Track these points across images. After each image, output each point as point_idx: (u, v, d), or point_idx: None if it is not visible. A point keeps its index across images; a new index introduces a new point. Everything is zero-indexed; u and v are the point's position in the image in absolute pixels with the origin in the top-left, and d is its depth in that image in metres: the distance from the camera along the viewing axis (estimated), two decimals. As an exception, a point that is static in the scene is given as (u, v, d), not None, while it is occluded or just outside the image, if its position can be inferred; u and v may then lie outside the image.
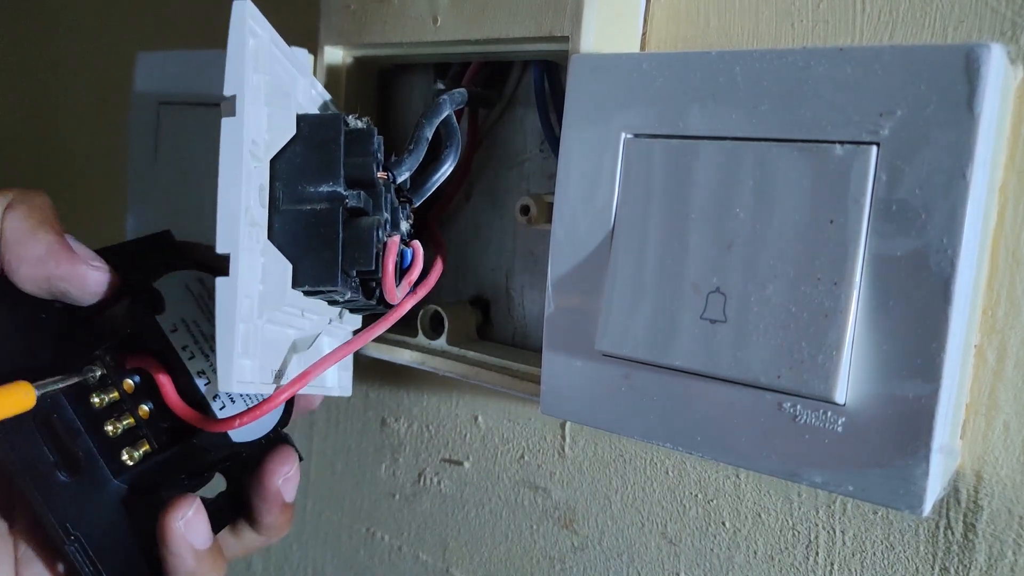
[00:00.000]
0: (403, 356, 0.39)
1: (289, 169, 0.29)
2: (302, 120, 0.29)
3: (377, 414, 0.48)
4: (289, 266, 0.29)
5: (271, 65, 0.28)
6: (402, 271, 0.32)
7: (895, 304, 0.25)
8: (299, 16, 0.45)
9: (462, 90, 0.36)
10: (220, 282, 0.26)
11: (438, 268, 0.36)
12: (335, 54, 0.39)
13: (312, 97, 0.33)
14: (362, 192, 0.30)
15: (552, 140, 0.36)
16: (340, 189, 0.29)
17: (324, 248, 0.29)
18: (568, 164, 0.32)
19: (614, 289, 0.30)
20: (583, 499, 0.40)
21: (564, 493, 0.41)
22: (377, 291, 0.32)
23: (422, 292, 0.34)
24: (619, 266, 0.30)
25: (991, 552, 0.30)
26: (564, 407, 0.32)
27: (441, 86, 0.37)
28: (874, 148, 0.26)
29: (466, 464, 0.44)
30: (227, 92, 0.26)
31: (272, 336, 0.29)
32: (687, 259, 0.29)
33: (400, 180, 0.32)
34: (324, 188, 0.29)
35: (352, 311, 0.36)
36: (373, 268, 0.30)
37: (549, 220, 0.33)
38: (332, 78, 0.40)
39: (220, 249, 0.26)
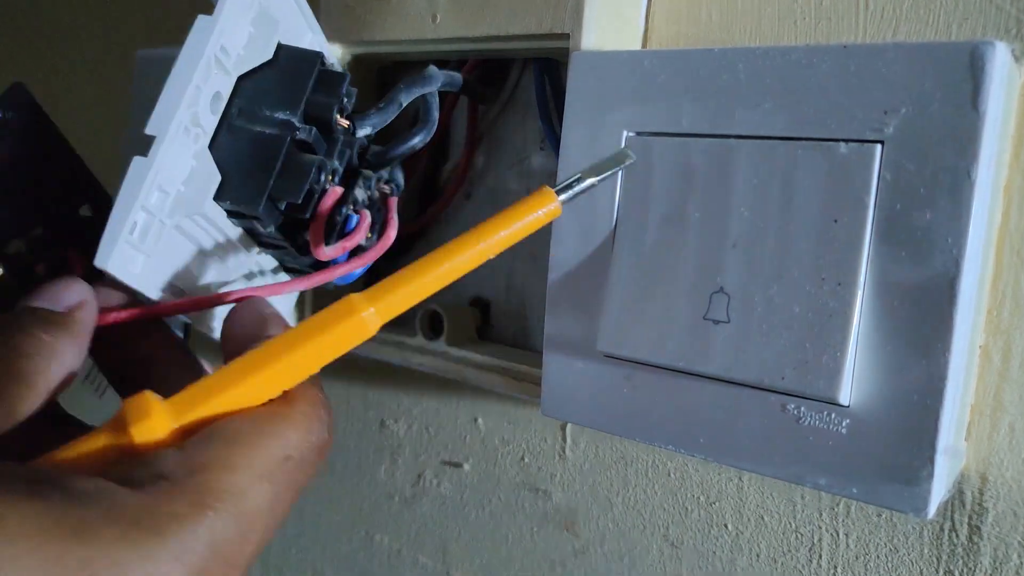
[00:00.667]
0: (402, 357, 0.39)
1: (254, 90, 0.29)
2: (282, 48, 0.30)
3: (376, 415, 0.48)
4: (218, 177, 0.28)
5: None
6: (342, 235, 0.32)
7: (900, 304, 0.25)
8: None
9: (456, 74, 0.35)
10: (136, 160, 0.26)
11: (380, 248, 0.33)
12: (334, 51, 0.39)
13: (309, 41, 0.33)
14: (315, 129, 0.30)
15: (553, 138, 0.36)
16: (295, 120, 0.29)
17: (259, 170, 0.29)
18: (569, 162, 0.31)
19: (616, 289, 0.30)
20: (584, 502, 0.40)
21: (565, 495, 0.40)
22: (303, 241, 0.32)
23: (356, 265, 0.33)
24: (621, 266, 0.30)
25: (996, 555, 0.29)
26: (565, 409, 0.32)
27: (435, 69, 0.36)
28: (878, 146, 0.25)
29: (466, 466, 0.44)
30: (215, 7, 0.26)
31: (178, 246, 0.29)
32: (690, 259, 0.29)
33: (361, 133, 0.31)
34: (279, 115, 0.29)
35: (284, 268, 0.35)
36: (300, 202, 0.29)
37: (549, 220, 0.33)
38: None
39: (148, 130, 0.26)
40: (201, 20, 0.27)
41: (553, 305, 0.32)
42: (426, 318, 0.39)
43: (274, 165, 0.29)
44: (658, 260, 0.29)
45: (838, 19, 0.31)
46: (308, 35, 0.33)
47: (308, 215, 0.30)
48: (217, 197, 0.29)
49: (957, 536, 0.30)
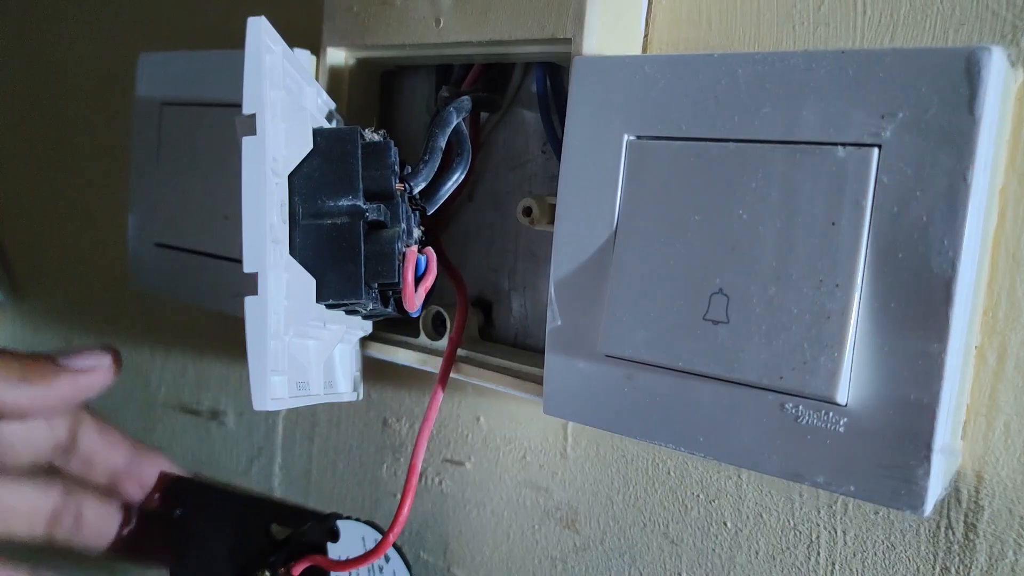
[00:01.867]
0: (405, 357, 0.39)
1: (307, 183, 0.29)
2: (318, 134, 0.30)
3: (379, 414, 0.48)
4: (312, 281, 0.29)
5: (284, 79, 0.28)
6: (417, 279, 0.33)
7: (897, 306, 0.26)
8: (301, 17, 0.45)
9: (466, 98, 0.36)
10: (249, 301, 0.26)
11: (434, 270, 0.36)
12: (337, 55, 0.39)
13: (319, 105, 0.34)
14: (381, 205, 0.30)
15: (554, 142, 0.36)
16: (360, 202, 0.29)
17: (347, 262, 0.29)
18: (570, 166, 0.32)
19: (617, 290, 0.30)
20: (585, 499, 0.40)
21: (566, 493, 0.41)
22: (393, 299, 0.33)
23: (423, 293, 0.34)
24: (622, 267, 0.30)
25: (992, 552, 0.30)
26: (566, 408, 0.32)
27: (446, 93, 0.37)
28: (876, 150, 0.26)
29: (468, 464, 0.44)
30: (247, 110, 0.26)
31: (296, 349, 0.30)
32: (690, 260, 0.29)
33: (417, 191, 0.32)
34: (344, 202, 0.29)
35: (365, 318, 0.36)
36: (396, 281, 0.30)
37: (551, 221, 0.33)
38: (334, 80, 0.40)
39: (247, 268, 0.26)
40: (248, 142, 0.26)
41: (554, 306, 0.32)
42: (429, 318, 0.39)
43: (358, 252, 0.29)
44: (658, 262, 0.30)
45: (836, 25, 0.31)
46: (308, 90, 0.33)
47: (397, 281, 0.31)
48: (318, 298, 0.29)
49: (953, 534, 0.30)
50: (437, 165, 0.33)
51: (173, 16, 0.58)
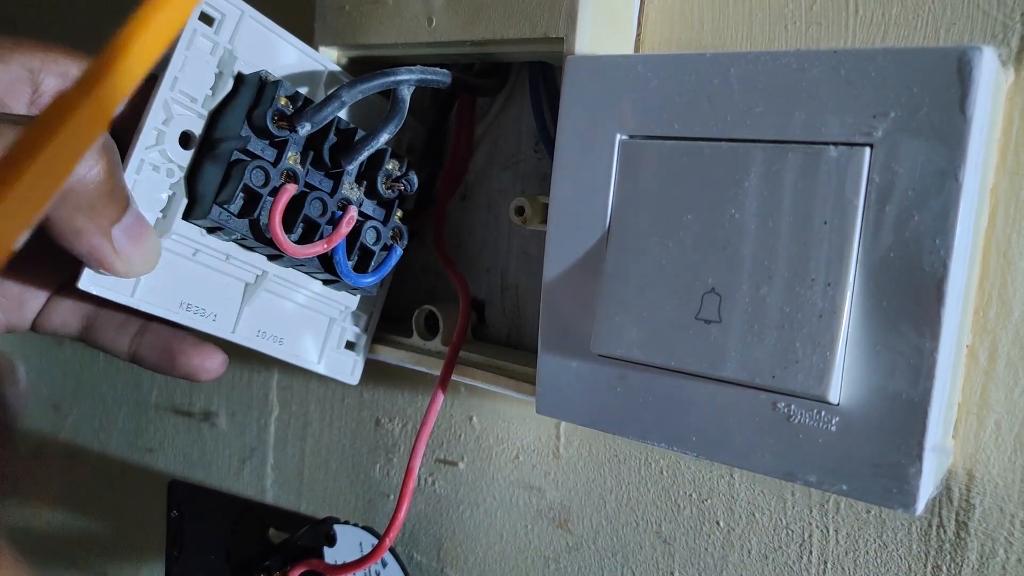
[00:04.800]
0: (398, 357, 0.39)
1: (221, 121, 0.33)
2: (240, 77, 0.33)
3: (371, 414, 0.48)
4: (184, 201, 0.32)
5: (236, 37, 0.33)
6: (316, 229, 0.34)
7: (888, 305, 0.26)
8: (294, 16, 0.45)
9: (442, 69, 0.34)
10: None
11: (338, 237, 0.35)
12: (330, 55, 0.39)
13: (301, 59, 0.35)
14: (252, 136, 0.32)
15: (547, 141, 0.36)
16: (241, 133, 0.32)
17: (212, 183, 0.32)
18: (563, 165, 0.32)
19: (609, 290, 0.30)
20: (578, 499, 0.40)
21: (559, 493, 0.41)
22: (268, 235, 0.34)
23: (321, 248, 0.34)
24: (614, 267, 0.30)
25: (983, 550, 0.30)
26: (559, 408, 0.32)
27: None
28: (867, 150, 0.26)
29: (461, 464, 0.44)
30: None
31: (188, 271, 0.33)
32: (682, 260, 0.29)
33: (302, 132, 0.32)
34: (231, 134, 0.32)
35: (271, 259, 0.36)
36: (238, 203, 0.32)
37: (544, 221, 0.33)
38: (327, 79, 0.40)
39: (128, 173, 0.30)
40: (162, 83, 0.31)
41: (547, 306, 0.32)
42: (422, 318, 0.39)
43: (219, 175, 0.32)
44: (651, 261, 0.30)
45: (828, 24, 0.31)
46: (292, 51, 0.35)
47: (256, 215, 0.32)
48: (185, 215, 0.32)
49: (945, 532, 0.30)
50: (329, 114, 0.33)
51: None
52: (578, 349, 0.32)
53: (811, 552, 0.34)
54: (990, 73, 0.25)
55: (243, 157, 0.32)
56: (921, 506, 0.26)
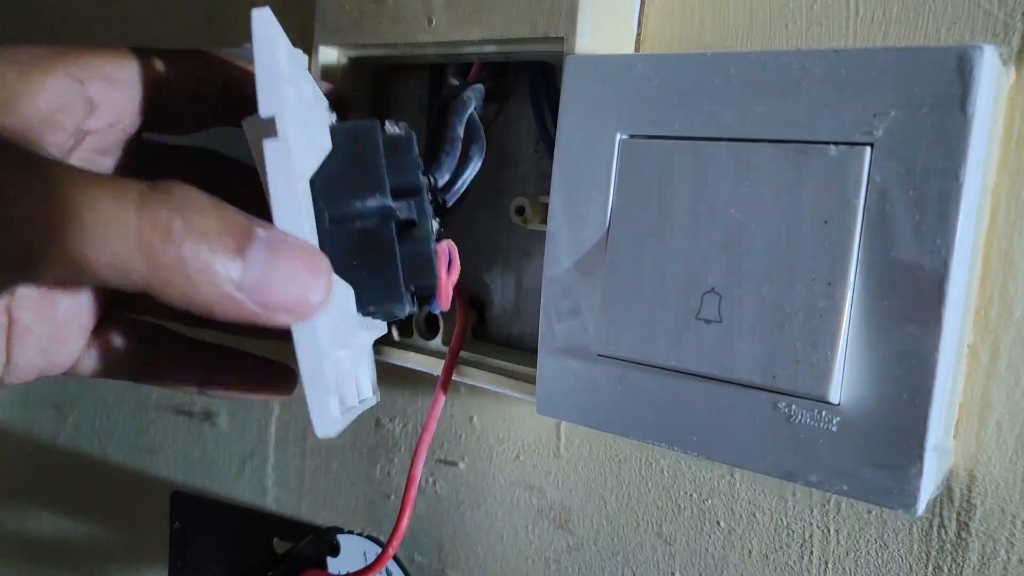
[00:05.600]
0: (398, 357, 0.39)
1: (330, 186, 0.27)
2: (336, 131, 0.27)
3: (371, 414, 0.48)
4: (351, 291, 0.27)
5: (294, 74, 0.26)
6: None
7: (889, 304, 0.26)
8: (293, 15, 0.45)
9: (480, 87, 0.35)
10: (298, 328, 0.23)
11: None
12: (330, 54, 0.39)
13: (319, 98, 0.31)
14: (412, 202, 0.28)
15: (547, 141, 0.36)
16: (388, 201, 0.27)
17: (384, 267, 0.27)
18: (563, 165, 0.32)
19: (609, 290, 0.30)
20: (578, 499, 0.40)
21: (559, 493, 0.41)
22: (425, 298, 0.31)
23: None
24: (614, 267, 0.30)
25: (984, 551, 0.30)
26: (559, 408, 0.32)
27: (455, 82, 0.36)
28: (868, 149, 0.26)
29: (461, 465, 0.44)
30: (264, 113, 0.23)
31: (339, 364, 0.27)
32: (682, 259, 0.29)
33: (442, 183, 0.30)
34: (371, 203, 0.27)
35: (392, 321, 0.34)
36: (434, 281, 0.28)
37: (544, 221, 0.33)
38: (327, 78, 0.40)
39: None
40: (271, 146, 0.22)
41: (547, 306, 0.32)
42: (422, 318, 0.39)
43: (395, 256, 0.27)
44: (651, 261, 0.30)
45: (829, 24, 0.31)
46: (306, 85, 0.29)
47: (436, 284, 0.29)
48: (359, 307, 0.27)
49: (946, 532, 0.30)
50: (459, 155, 0.32)
51: (164, 13, 0.58)
52: (578, 349, 0.32)
53: (812, 552, 0.33)
54: (991, 72, 0.25)
55: (375, 227, 0.27)
56: (922, 506, 0.25)
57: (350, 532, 0.41)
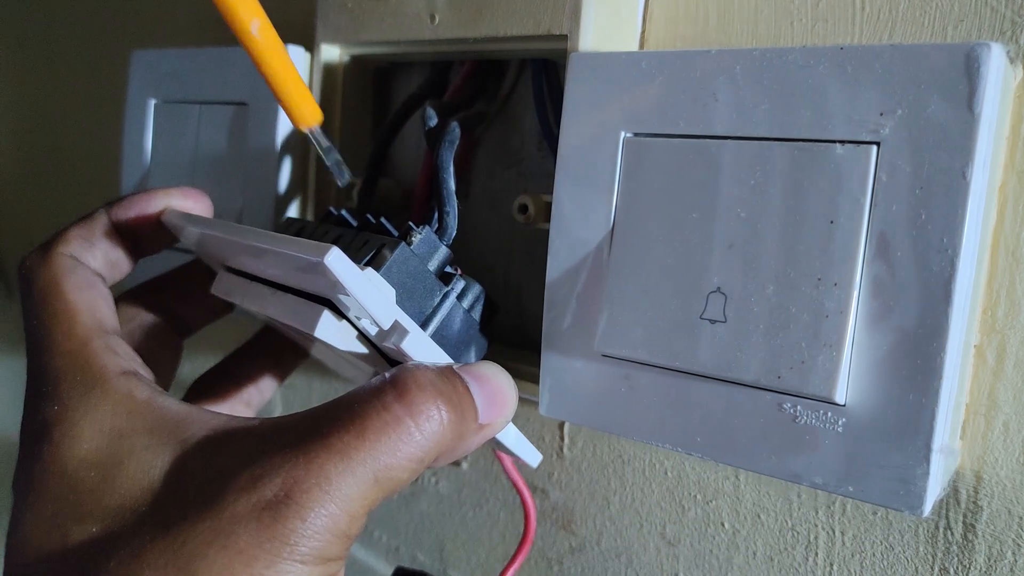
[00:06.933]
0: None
1: (408, 308, 0.31)
2: (387, 273, 0.30)
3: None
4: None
5: (370, 279, 0.30)
6: None
7: (895, 304, 0.25)
8: (295, 13, 0.45)
9: (454, 125, 0.35)
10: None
11: None
12: (331, 52, 0.39)
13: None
14: (460, 279, 0.32)
15: (551, 139, 0.36)
16: (447, 292, 0.31)
17: (476, 336, 0.33)
18: (567, 163, 0.31)
19: (613, 289, 0.30)
20: (581, 500, 0.40)
21: (562, 494, 0.41)
22: None
23: None
24: (619, 266, 0.30)
25: (991, 552, 0.29)
26: (563, 408, 0.32)
27: (431, 108, 0.36)
28: (874, 148, 0.26)
29: (464, 465, 0.44)
30: (386, 326, 0.27)
31: None
32: (687, 259, 0.29)
33: (451, 239, 0.33)
34: (437, 300, 0.31)
35: None
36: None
37: (547, 220, 0.33)
38: (328, 76, 0.40)
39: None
40: (408, 340, 0.27)
41: (551, 305, 0.32)
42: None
43: (475, 325, 0.33)
44: (655, 260, 0.29)
45: (835, 21, 0.31)
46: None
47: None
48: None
49: (952, 534, 0.30)
50: (457, 206, 0.34)
51: (164, 12, 0.57)
52: (582, 349, 0.31)
53: (817, 554, 0.33)
54: (998, 70, 0.24)
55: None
56: (928, 508, 0.25)
57: (413, 572, 0.42)
